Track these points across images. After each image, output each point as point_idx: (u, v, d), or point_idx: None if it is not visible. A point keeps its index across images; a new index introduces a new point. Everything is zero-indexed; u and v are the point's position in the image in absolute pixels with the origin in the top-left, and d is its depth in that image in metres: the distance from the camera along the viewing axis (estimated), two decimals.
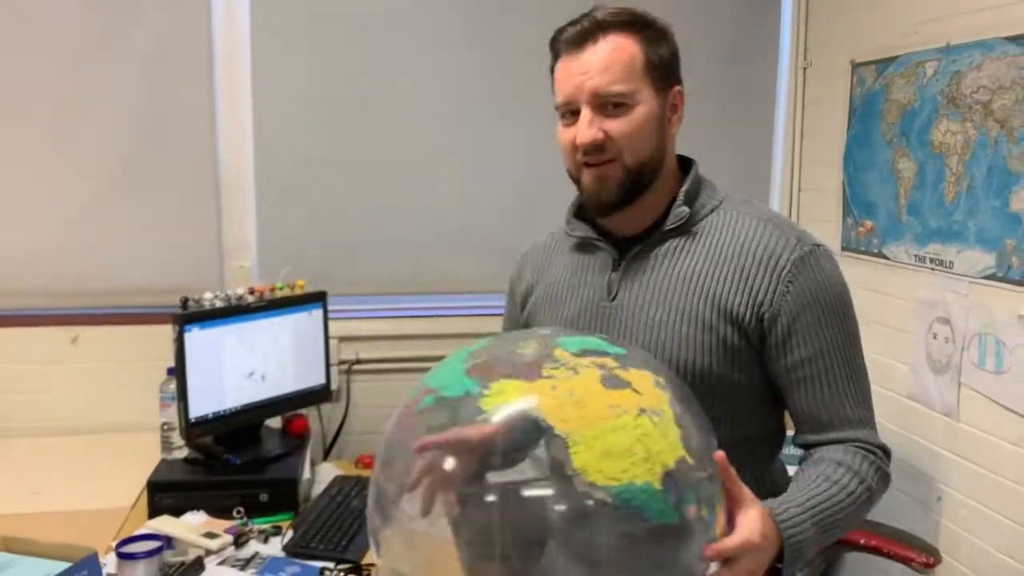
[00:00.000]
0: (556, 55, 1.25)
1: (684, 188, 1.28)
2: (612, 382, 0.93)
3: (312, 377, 2.28)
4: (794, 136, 2.78)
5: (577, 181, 1.27)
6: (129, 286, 2.52)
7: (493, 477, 0.91)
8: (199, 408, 2.00)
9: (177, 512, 1.90)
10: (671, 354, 1.22)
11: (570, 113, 1.23)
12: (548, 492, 0.89)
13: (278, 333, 2.18)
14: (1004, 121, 1.91)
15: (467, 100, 2.64)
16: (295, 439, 2.22)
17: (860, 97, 2.45)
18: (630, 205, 1.26)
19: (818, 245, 1.24)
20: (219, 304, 2.06)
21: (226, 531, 1.83)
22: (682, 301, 1.23)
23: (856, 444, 1.20)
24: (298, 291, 2.25)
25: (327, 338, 2.31)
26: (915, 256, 2.22)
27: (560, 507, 0.88)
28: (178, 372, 1.96)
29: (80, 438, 2.41)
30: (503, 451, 0.91)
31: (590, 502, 0.86)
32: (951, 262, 2.09)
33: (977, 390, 2.01)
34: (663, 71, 1.23)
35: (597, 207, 1.26)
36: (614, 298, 1.29)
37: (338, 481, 2.14)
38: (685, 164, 1.33)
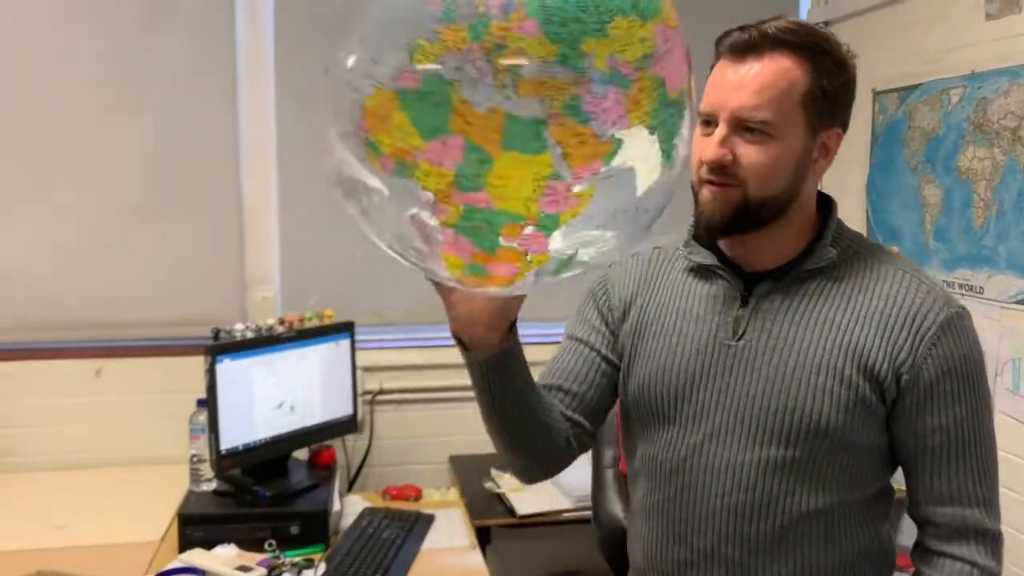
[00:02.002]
0: (717, 57, 1.15)
1: (830, 228, 1.19)
2: None
3: (339, 408, 2.27)
4: None
5: (696, 195, 1.18)
6: (152, 318, 2.51)
7: None
8: (230, 440, 1.99)
9: (208, 545, 1.88)
10: (801, 405, 1.14)
11: (708, 122, 1.14)
12: None
13: (307, 363, 2.17)
14: None
15: None
16: (322, 470, 2.20)
17: (882, 125, 2.46)
18: (742, 236, 1.17)
19: (963, 308, 1.17)
20: (250, 335, 2.06)
21: (259, 564, 1.82)
22: (819, 350, 1.14)
23: (963, 558, 1.14)
24: (326, 321, 2.25)
25: (354, 368, 2.30)
26: (943, 281, 2.22)
27: None
28: (209, 403, 1.95)
29: (105, 471, 2.39)
30: None
31: None
32: (981, 287, 2.09)
33: (1012, 416, 2.00)
34: (824, 107, 1.12)
35: (706, 227, 1.17)
36: (740, 336, 1.19)
37: (367, 513, 2.12)
38: (822, 200, 1.23)
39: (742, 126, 1.10)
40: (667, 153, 0.83)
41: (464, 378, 2.64)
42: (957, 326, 1.14)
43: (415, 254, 0.86)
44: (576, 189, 0.78)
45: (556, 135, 0.75)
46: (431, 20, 0.73)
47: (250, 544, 1.90)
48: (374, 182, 0.81)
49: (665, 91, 0.81)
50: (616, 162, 0.78)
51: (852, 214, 2.60)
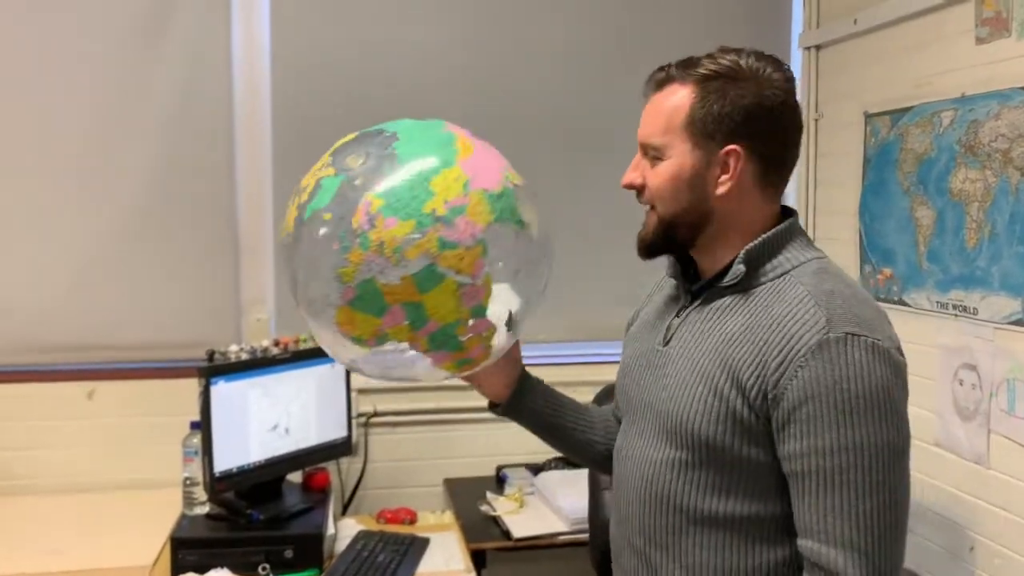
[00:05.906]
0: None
1: (749, 246, 1.21)
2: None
3: (334, 430, 2.26)
4: (807, 186, 2.81)
5: None
6: (146, 340, 2.51)
7: None
8: (224, 462, 1.98)
9: (201, 569, 1.87)
10: (683, 410, 1.19)
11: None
12: None
13: (301, 385, 2.16)
14: None
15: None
16: (316, 493, 2.19)
17: (874, 147, 2.48)
18: (670, 253, 1.29)
19: (854, 335, 1.09)
20: (244, 357, 2.05)
21: None
22: (705, 360, 1.19)
23: None
24: None
25: (349, 390, 2.29)
26: (937, 303, 2.23)
27: None
28: (203, 426, 1.94)
29: (98, 495, 2.37)
30: None
31: None
32: (975, 308, 2.10)
33: (1007, 436, 2.00)
34: (708, 127, 1.18)
35: (638, 247, 1.29)
36: (667, 343, 1.29)
37: (362, 536, 2.11)
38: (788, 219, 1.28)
39: (647, 152, 1.24)
40: (518, 222, 1.18)
41: (458, 400, 2.69)
42: (834, 351, 1.08)
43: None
44: (477, 281, 1.13)
45: (444, 263, 1.10)
46: (338, 255, 1.11)
47: (244, 568, 1.88)
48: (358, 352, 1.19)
49: (487, 191, 1.15)
50: (491, 255, 1.14)
51: (845, 236, 2.61)
